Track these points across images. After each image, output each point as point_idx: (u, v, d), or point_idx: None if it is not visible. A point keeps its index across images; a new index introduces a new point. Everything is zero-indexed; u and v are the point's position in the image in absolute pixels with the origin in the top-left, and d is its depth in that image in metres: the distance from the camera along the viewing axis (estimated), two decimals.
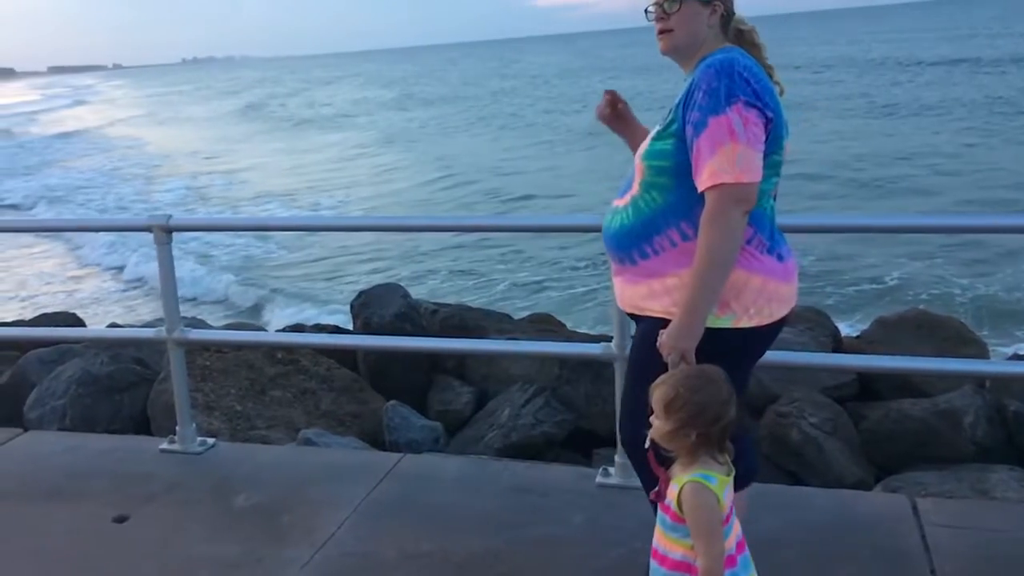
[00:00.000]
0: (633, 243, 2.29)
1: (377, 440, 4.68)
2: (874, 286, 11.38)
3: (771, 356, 3.86)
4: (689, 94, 2.18)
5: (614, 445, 3.46)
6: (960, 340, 5.25)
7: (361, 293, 5.91)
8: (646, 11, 2.33)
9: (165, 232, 3.86)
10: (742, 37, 2.36)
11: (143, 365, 5.38)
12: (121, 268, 14.94)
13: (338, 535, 3.16)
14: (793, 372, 4.60)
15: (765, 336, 2.30)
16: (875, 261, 12.15)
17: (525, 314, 6.98)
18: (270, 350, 5.17)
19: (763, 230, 2.23)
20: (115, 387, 5.05)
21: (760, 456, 4.38)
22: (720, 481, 1.96)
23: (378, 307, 5.63)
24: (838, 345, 5.28)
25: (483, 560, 2.97)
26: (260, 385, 4.97)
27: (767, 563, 2.82)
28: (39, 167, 33.23)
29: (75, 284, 14.54)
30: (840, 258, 12.25)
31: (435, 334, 5.55)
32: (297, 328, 6.55)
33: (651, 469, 2.08)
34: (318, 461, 3.88)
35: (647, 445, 2.03)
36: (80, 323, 7.44)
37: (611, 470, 3.42)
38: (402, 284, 6.28)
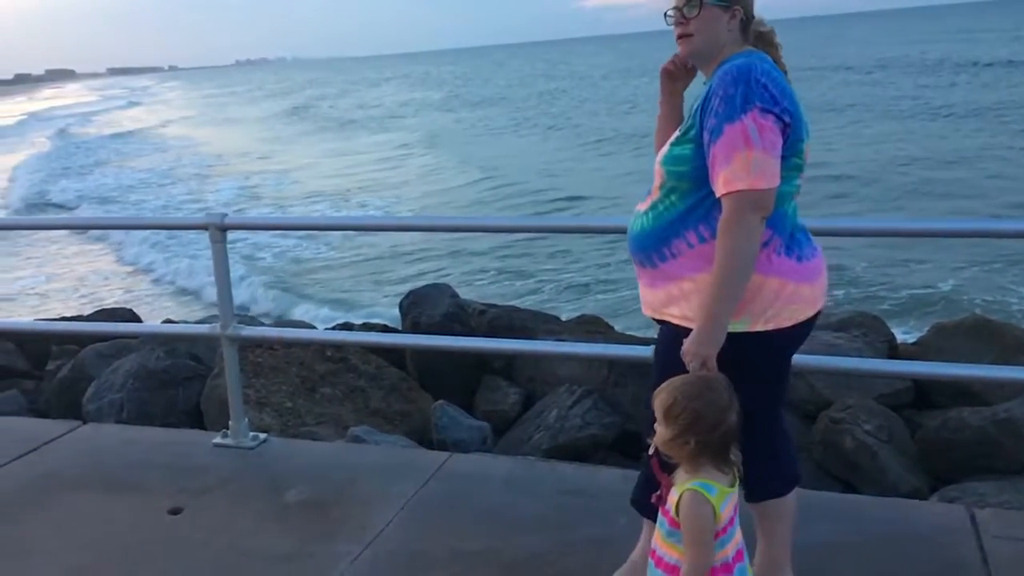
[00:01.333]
0: (652, 246, 2.31)
1: (425, 439, 4.71)
2: (928, 291, 11.14)
3: (824, 361, 3.85)
4: (707, 100, 2.19)
5: None
6: (1020, 347, 5.11)
7: (410, 293, 5.96)
8: (666, 15, 2.33)
9: (220, 231, 3.93)
10: (762, 39, 2.35)
11: (197, 360, 5.48)
12: (152, 268, 15.41)
13: (387, 532, 3.18)
14: (847, 378, 4.52)
15: (788, 339, 2.28)
16: (929, 266, 11.90)
17: (573, 315, 6.96)
18: (320, 348, 5.24)
19: (781, 232, 2.23)
20: (170, 382, 5.16)
21: (811, 462, 4.32)
22: (720, 492, 1.97)
23: (427, 307, 5.67)
24: (894, 351, 5.18)
25: (531, 561, 2.97)
26: (310, 382, 5.04)
27: (821, 573, 2.79)
28: (92, 167, 34.07)
29: (120, 282, 14.96)
30: (893, 263, 12.02)
31: (483, 334, 5.57)
32: (346, 327, 6.62)
33: (653, 474, 2.11)
34: (367, 458, 3.92)
35: (651, 452, 2.06)
36: (136, 318, 7.62)
37: None
38: (451, 284, 6.31)
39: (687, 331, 2.21)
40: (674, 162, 2.27)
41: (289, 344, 5.14)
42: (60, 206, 24.75)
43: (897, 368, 4.39)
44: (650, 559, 2.15)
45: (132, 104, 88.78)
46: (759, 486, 2.49)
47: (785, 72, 2.32)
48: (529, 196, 20.60)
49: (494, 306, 6.15)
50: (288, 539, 3.16)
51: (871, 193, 17.73)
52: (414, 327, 5.61)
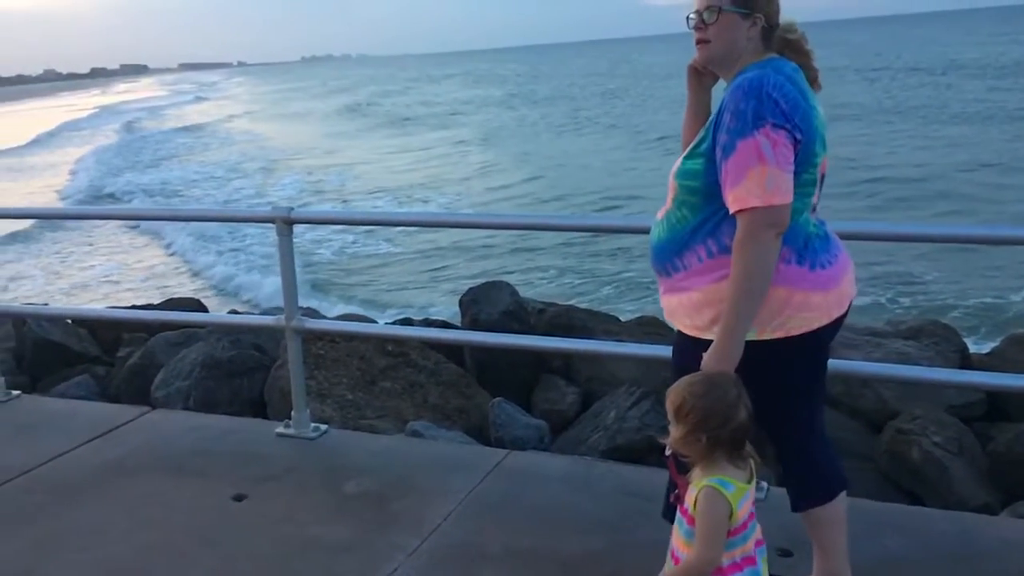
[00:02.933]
0: (666, 257, 2.33)
1: (482, 435, 4.73)
2: (1000, 300, 10.79)
3: (892, 370, 3.77)
4: (719, 114, 2.18)
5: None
6: None
7: (470, 290, 5.99)
8: (688, 18, 2.31)
9: (286, 224, 4.00)
10: (789, 46, 2.32)
11: (261, 351, 5.59)
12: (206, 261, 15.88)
13: (444, 526, 3.21)
14: (916, 388, 4.41)
15: (800, 347, 2.25)
16: (1002, 275, 11.52)
17: (633, 316, 6.92)
18: (381, 342, 5.30)
19: (792, 242, 2.20)
20: (235, 371, 5.27)
21: (876, 473, 4.22)
22: (738, 489, 1.99)
23: (486, 304, 5.69)
24: (966, 361, 5.03)
25: (587, 560, 2.96)
26: (370, 376, 5.10)
27: None
28: (156, 161, 34.94)
29: (182, 272, 15.41)
30: (965, 271, 11.68)
31: (542, 333, 5.57)
32: (406, 322, 6.69)
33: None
34: (425, 452, 3.96)
35: (667, 452, 2.10)
36: (203, 308, 7.81)
37: None
38: (510, 282, 6.32)
39: (696, 340, 2.26)
40: (686, 176, 2.27)
41: (351, 337, 5.21)
42: (117, 198, 25.41)
43: (969, 379, 4.24)
44: (669, 560, 2.16)
45: (199, 99, 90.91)
46: (800, 494, 2.48)
47: (815, 78, 2.31)
48: (587, 195, 20.54)
49: (553, 305, 6.14)
50: (347, 529, 3.21)
51: (937, 198, 17.27)
52: (473, 324, 5.64)
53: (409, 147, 33.98)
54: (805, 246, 2.22)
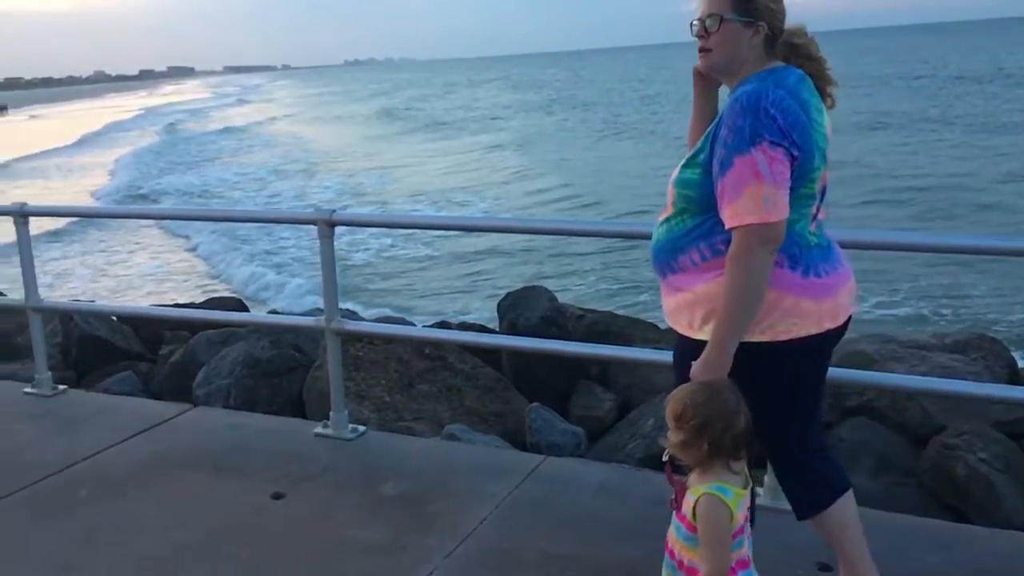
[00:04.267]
0: (664, 259, 2.36)
1: (518, 440, 4.72)
2: None
3: (938, 384, 3.69)
4: (718, 127, 2.18)
5: (763, 465, 3.35)
6: None
7: (508, 294, 5.99)
8: (691, 25, 2.30)
9: (328, 226, 4.04)
10: (796, 51, 2.30)
11: (300, 351, 5.64)
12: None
13: (480, 530, 3.21)
14: (961, 403, 4.31)
15: (790, 353, 2.24)
16: None
17: None
18: (419, 345, 5.31)
19: (786, 247, 2.19)
20: (275, 371, 5.33)
21: (920, 488, 4.14)
22: (736, 494, 2.02)
23: (524, 309, 5.68)
24: (1015, 376, 4.91)
25: (622, 569, 2.94)
26: (408, 378, 5.12)
27: None
28: (196, 162, 35.46)
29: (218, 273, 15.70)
30: (1015, 284, 11.43)
31: (580, 339, 5.55)
32: (444, 325, 6.70)
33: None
34: (462, 456, 3.96)
35: (665, 457, 2.11)
36: (244, 308, 7.91)
37: (759, 490, 3.30)
38: (548, 287, 6.31)
39: (695, 342, 2.27)
40: (683, 185, 2.29)
41: (389, 339, 5.23)
42: (151, 199, 25.80)
43: (1018, 394, 4.15)
44: (668, 559, 2.18)
45: (241, 102, 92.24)
46: (801, 501, 2.47)
47: (827, 86, 2.29)
48: (624, 201, 20.45)
49: (592, 311, 6.12)
50: (384, 531, 3.22)
51: (980, 209, 16.95)
52: (511, 329, 5.63)
53: (448, 151, 34.13)
54: (800, 253, 2.22)
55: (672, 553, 2.17)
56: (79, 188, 28.97)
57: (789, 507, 3.21)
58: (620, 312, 7.18)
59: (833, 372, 3.95)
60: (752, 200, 2.10)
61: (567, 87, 76.11)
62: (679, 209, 2.31)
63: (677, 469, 2.13)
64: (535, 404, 4.88)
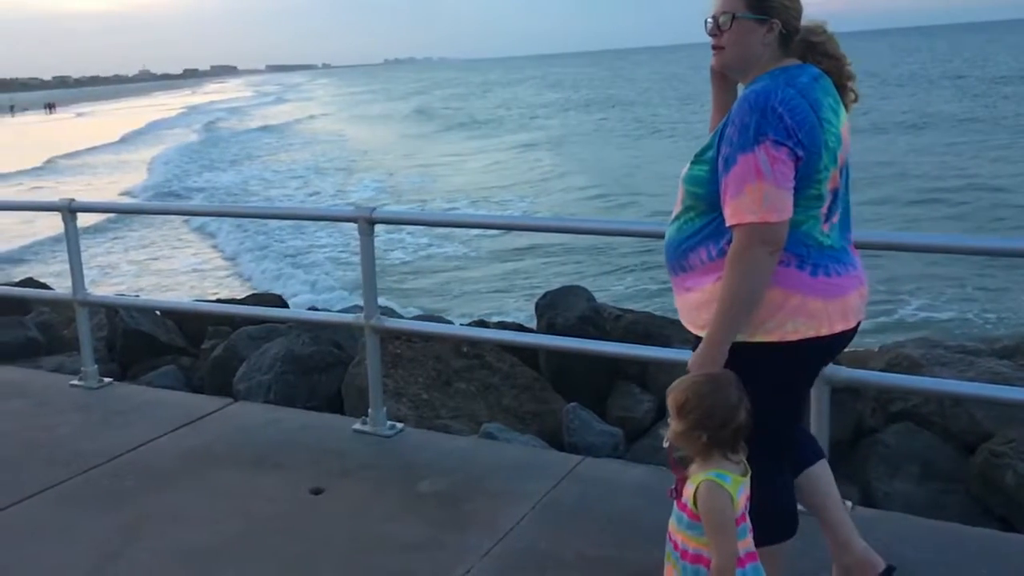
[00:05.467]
0: (675, 257, 2.36)
1: (555, 440, 4.71)
2: None
3: (986, 390, 3.60)
4: (726, 124, 2.18)
5: None
6: None
7: (547, 294, 5.98)
8: (705, 23, 2.28)
9: (368, 224, 4.05)
10: (814, 49, 2.26)
11: (339, 348, 5.68)
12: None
13: (517, 530, 3.20)
14: (1010, 409, 4.21)
15: (794, 355, 2.22)
16: None
17: None
18: (456, 344, 5.32)
19: (793, 247, 2.18)
20: (314, 367, 5.37)
21: (967, 496, 4.06)
22: (734, 480, 2.05)
23: (563, 308, 5.67)
24: None
25: (660, 571, 2.88)
26: (446, 376, 5.13)
27: None
28: (232, 160, 35.89)
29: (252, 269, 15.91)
30: None
31: (618, 339, 5.51)
32: (482, 324, 6.71)
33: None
34: (499, 455, 3.96)
35: (665, 445, 2.14)
36: (284, 304, 7.99)
37: None
38: (586, 287, 6.29)
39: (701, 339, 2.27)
40: (691, 182, 2.29)
41: (427, 337, 5.25)
42: (184, 197, 26.14)
43: None
44: (671, 549, 2.20)
45: (280, 100, 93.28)
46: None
47: (847, 82, 2.27)
48: (662, 201, 20.31)
49: (630, 311, 6.08)
50: (421, 528, 3.23)
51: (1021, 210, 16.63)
52: (549, 328, 5.62)
53: (487, 149, 34.18)
54: (808, 253, 2.20)
55: (675, 544, 2.18)
56: (117, 185, 29.51)
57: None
58: (659, 312, 7.13)
59: (878, 376, 3.91)
60: (752, 199, 2.09)
61: (606, 86, 75.86)
62: (688, 206, 2.32)
63: (680, 460, 2.15)
64: (573, 404, 4.87)
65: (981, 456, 4.09)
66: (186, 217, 18.90)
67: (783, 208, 2.10)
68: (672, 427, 2.08)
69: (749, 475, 2.11)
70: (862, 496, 4.02)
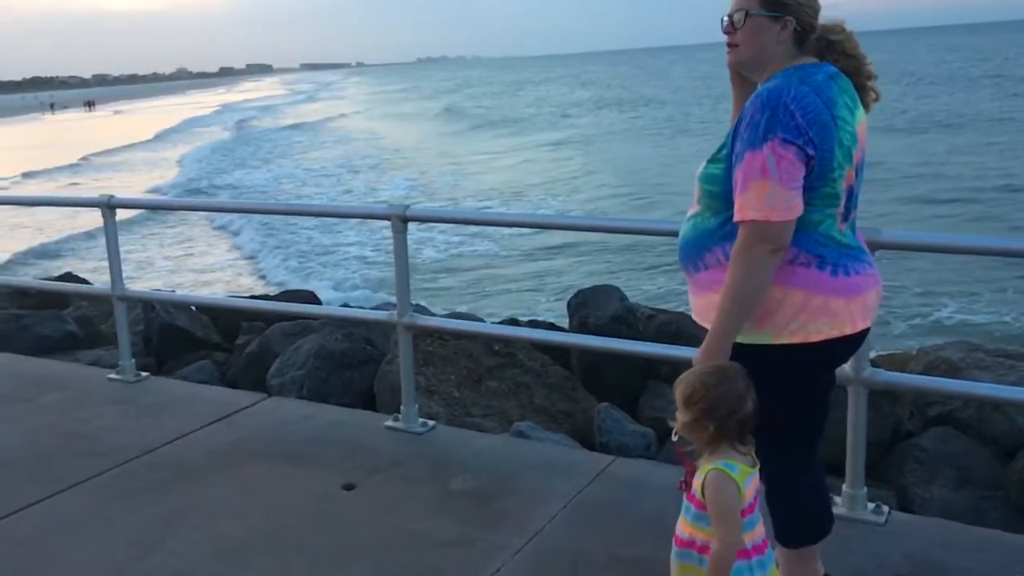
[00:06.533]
0: (691, 255, 2.36)
1: (587, 440, 4.68)
2: None
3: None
4: (739, 122, 2.18)
5: (840, 473, 3.27)
6: None
7: (579, 292, 5.96)
8: (721, 21, 2.28)
9: (402, 221, 4.07)
10: (832, 48, 2.25)
11: (371, 345, 5.71)
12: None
13: (548, 529, 3.19)
14: None
15: (818, 355, 2.23)
16: None
17: None
18: (488, 342, 5.32)
19: (810, 248, 2.18)
20: (347, 363, 5.40)
21: (1007, 503, 3.98)
22: (742, 471, 2.07)
23: (595, 308, 5.64)
24: None
25: None
26: (477, 374, 5.14)
27: None
28: (266, 158, 36.18)
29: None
30: None
31: (651, 339, 5.48)
32: (514, 322, 6.70)
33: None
34: (531, 454, 3.95)
35: (674, 438, 2.16)
36: (317, 301, 8.04)
37: (837, 499, 3.21)
38: (618, 286, 6.25)
39: None
40: (707, 180, 2.29)
41: (459, 335, 5.25)
42: (211, 194, 26.40)
43: None
44: (674, 545, 2.21)
45: (311, 99, 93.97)
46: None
47: (866, 82, 2.25)
48: (691, 200, 20.15)
49: (663, 311, 6.04)
50: (453, 525, 3.24)
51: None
52: (581, 327, 5.60)
53: (518, 148, 34.18)
54: (827, 253, 2.20)
55: (682, 541, 2.19)
56: (145, 182, 29.90)
57: (867, 518, 3.14)
58: (692, 313, 7.08)
59: (917, 380, 3.85)
60: (756, 196, 2.09)
61: (639, 84, 75.53)
62: (704, 205, 2.32)
63: (688, 454, 2.17)
64: (604, 404, 4.84)
65: (1021, 461, 4.01)
66: (211, 214, 19.15)
67: (787, 207, 2.10)
68: (679, 418, 2.11)
69: (758, 467, 2.13)
70: (899, 502, 3.95)
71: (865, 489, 3.22)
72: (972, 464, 4.12)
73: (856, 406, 3.17)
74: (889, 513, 3.18)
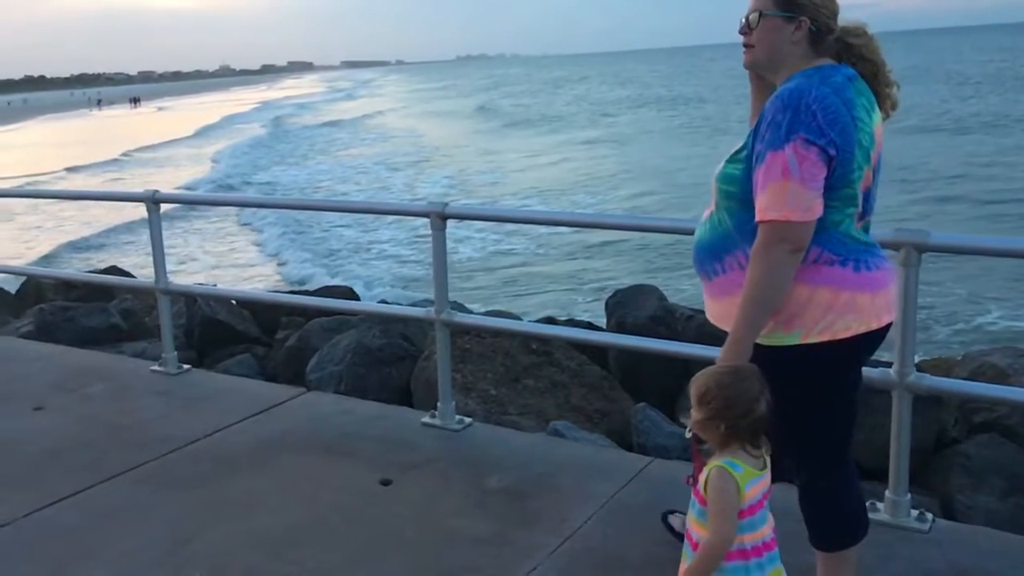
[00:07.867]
0: (708, 259, 2.34)
1: (624, 440, 4.66)
2: None
3: None
4: (759, 122, 2.17)
5: (883, 479, 3.21)
6: None
7: (617, 292, 5.93)
8: (739, 22, 2.27)
9: (440, 219, 4.08)
10: (851, 51, 2.22)
11: (409, 341, 5.74)
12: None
13: (584, 529, 3.18)
14: None
15: (847, 352, 2.23)
16: None
17: None
18: (525, 340, 5.32)
19: (831, 247, 2.18)
20: (385, 360, 5.43)
21: None
22: (746, 471, 2.07)
23: (633, 308, 5.62)
24: None
25: None
26: (514, 373, 5.14)
27: None
28: (302, 155, 36.45)
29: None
30: None
31: (690, 340, 5.43)
32: (551, 321, 6.69)
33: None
34: (567, 453, 3.94)
35: (687, 435, 2.17)
36: (355, 297, 8.11)
37: (879, 505, 3.16)
38: (657, 286, 6.22)
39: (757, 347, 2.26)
40: (725, 180, 2.27)
41: (496, 333, 5.26)
42: (230, 187, 26.66)
43: None
44: (687, 544, 2.22)
45: (350, 96, 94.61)
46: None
47: (884, 88, 2.23)
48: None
49: (702, 312, 5.97)
50: (489, 523, 3.24)
51: None
52: (619, 327, 5.57)
53: (557, 146, 34.11)
54: (848, 252, 2.20)
55: (688, 533, 2.20)
56: (179, 177, 30.29)
57: (910, 525, 3.08)
58: None
59: (963, 385, 3.78)
60: (777, 196, 2.08)
61: (678, 83, 75.00)
62: (721, 206, 2.30)
63: (702, 451, 2.19)
64: (642, 404, 4.82)
65: None
66: (239, 209, 19.36)
67: (808, 208, 2.08)
68: (693, 415, 2.12)
69: (768, 471, 2.13)
70: (943, 509, 3.88)
71: (909, 496, 3.16)
72: (1019, 472, 4.03)
73: (900, 411, 3.11)
74: (933, 521, 3.12)
